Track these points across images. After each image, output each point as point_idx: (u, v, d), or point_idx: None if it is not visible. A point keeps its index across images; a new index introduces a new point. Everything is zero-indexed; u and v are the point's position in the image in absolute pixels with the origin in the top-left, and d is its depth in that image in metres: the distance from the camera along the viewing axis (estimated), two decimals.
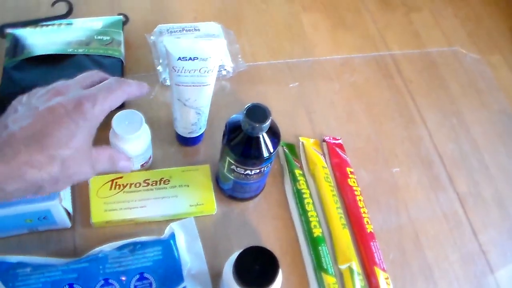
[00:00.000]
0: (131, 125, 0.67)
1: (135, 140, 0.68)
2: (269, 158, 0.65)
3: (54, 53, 0.82)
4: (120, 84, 0.58)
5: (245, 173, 0.66)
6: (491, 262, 0.76)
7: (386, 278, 0.70)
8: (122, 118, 0.68)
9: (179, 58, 0.64)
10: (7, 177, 0.50)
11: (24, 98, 0.56)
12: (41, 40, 0.84)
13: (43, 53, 0.82)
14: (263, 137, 0.63)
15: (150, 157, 0.76)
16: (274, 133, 0.64)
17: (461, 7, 1.10)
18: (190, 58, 0.64)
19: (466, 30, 1.06)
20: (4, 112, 0.56)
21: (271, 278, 0.56)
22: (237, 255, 0.57)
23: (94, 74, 0.61)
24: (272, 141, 0.64)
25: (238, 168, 0.66)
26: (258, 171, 0.66)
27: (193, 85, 0.67)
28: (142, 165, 0.74)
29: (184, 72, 0.66)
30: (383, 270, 0.70)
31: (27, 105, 0.54)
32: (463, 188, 0.82)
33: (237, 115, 0.65)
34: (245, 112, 0.61)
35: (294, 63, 0.93)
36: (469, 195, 0.82)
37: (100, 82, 0.59)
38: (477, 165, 0.86)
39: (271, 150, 0.64)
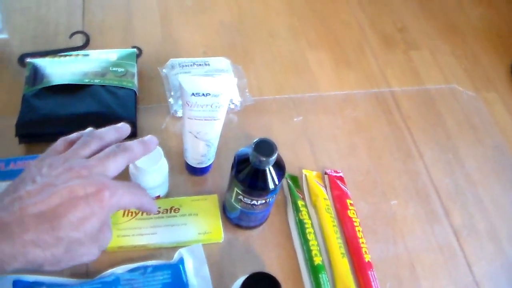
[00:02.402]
0: (151, 157, 0.69)
1: (154, 172, 0.71)
2: (274, 190, 0.68)
3: (72, 83, 0.85)
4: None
5: (251, 203, 0.69)
6: None
7: None
8: None
9: (193, 94, 0.67)
10: (10, 257, 0.49)
11: (44, 169, 0.54)
12: (59, 70, 0.88)
13: (62, 83, 0.85)
14: (269, 170, 0.66)
15: (166, 190, 0.79)
16: (279, 166, 0.68)
17: (458, 45, 1.14)
18: (203, 94, 0.67)
19: (463, 68, 1.09)
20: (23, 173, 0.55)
21: None
22: (242, 280, 0.59)
23: (111, 132, 0.61)
24: (277, 173, 0.67)
25: (245, 198, 0.69)
26: (264, 201, 0.70)
27: (204, 119, 0.71)
28: (157, 197, 0.77)
29: (197, 107, 0.69)
30: None
31: (46, 178, 0.53)
32: (458, 221, 0.85)
33: (245, 148, 0.69)
34: (253, 146, 0.64)
35: (299, 98, 0.97)
36: (464, 227, 0.84)
37: (116, 141, 0.60)
38: (472, 198, 0.88)
39: (277, 182, 0.67)
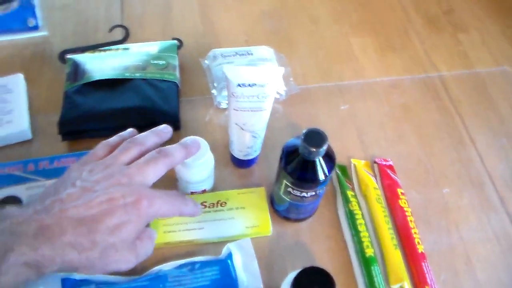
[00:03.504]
0: None
1: (200, 166, 0.70)
2: (324, 181, 0.66)
3: (113, 77, 0.85)
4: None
5: (301, 195, 0.68)
6: None
7: None
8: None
9: (238, 85, 0.66)
10: (49, 259, 0.51)
11: (85, 173, 0.57)
12: (100, 65, 0.87)
13: (103, 78, 0.84)
14: (319, 161, 0.64)
15: (212, 183, 0.78)
16: (330, 157, 0.66)
17: (509, 25, 1.10)
18: (249, 85, 0.66)
19: None
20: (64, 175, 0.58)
21: None
22: (294, 275, 0.57)
23: (152, 136, 0.63)
24: (327, 164, 0.65)
25: (294, 191, 0.67)
26: (313, 193, 0.68)
27: (251, 110, 0.69)
28: (203, 191, 0.76)
29: (243, 98, 0.68)
30: None
31: (87, 183, 0.55)
32: None
33: (293, 139, 0.67)
34: (303, 136, 0.62)
35: (345, 85, 0.95)
36: None
37: (157, 146, 0.62)
38: None
39: (327, 173, 0.65)
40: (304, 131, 0.63)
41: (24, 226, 0.51)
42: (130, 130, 0.66)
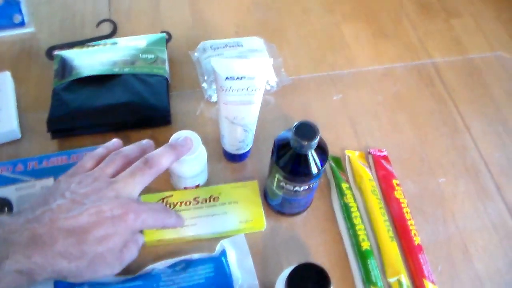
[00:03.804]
0: None
1: (192, 161, 0.69)
2: (318, 175, 0.65)
3: (102, 73, 0.84)
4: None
5: (294, 189, 0.67)
6: None
7: None
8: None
9: (227, 78, 0.65)
10: (41, 267, 0.53)
11: (73, 185, 0.59)
12: (88, 61, 0.86)
13: (91, 74, 0.83)
14: (311, 154, 0.63)
15: (206, 178, 0.77)
16: (322, 150, 0.65)
17: (504, 9, 1.08)
18: (238, 78, 0.65)
19: (509, 34, 1.04)
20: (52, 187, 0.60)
21: None
22: (288, 271, 0.57)
23: (135, 149, 0.66)
24: (320, 157, 0.64)
25: (287, 185, 0.66)
26: (307, 187, 0.67)
27: (240, 104, 0.68)
28: (196, 186, 0.75)
29: (232, 91, 0.66)
30: (432, 282, 0.69)
31: (76, 195, 0.57)
32: None
33: (285, 132, 0.66)
34: (293, 130, 0.61)
35: (337, 75, 0.93)
36: None
37: (143, 154, 0.64)
38: None
39: (320, 166, 0.64)
40: (295, 124, 0.62)
41: (17, 235, 0.53)
42: (114, 140, 0.69)
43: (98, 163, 0.64)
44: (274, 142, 0.66)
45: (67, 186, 0.59)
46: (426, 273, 0.70)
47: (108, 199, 0.58)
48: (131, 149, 0.66)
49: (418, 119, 0.89)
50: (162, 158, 0.64)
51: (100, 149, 0.66)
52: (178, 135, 0.69)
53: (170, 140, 0.68)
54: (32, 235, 0.53)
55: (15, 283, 0.53)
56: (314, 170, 0.64)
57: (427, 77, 0.95)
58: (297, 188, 0.66)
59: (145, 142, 0.68)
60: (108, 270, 0.59)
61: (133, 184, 0.60)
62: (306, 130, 0.61)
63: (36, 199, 0.58)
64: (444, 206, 0.79)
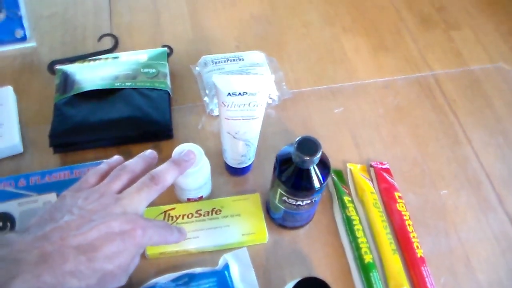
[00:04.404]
0: None
1: (195, 174, 0.70)
2: (320, 189, 0.65)
3: (103, 88, 0.84)
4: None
5: (296, 203, 0.67)
6: None
7: None
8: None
9: (229, 94, 0.65)
10: (51, 286, 0.52)
11: (80, 200, 0.59)
12: (89, 75, 0.87)
13: (93, 89, 0.84)
14: (314, 169, 0.63)
15: (210, 190, 0.77)
16: (324, 164, 0.65)
17: (503, 21, 1.09)
18: (240, 93, 0.65)
19: (509, 45, 1.04)
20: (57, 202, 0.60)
21: None
22: (292, 285, 0.57)
23: (139, 163, 0.66)
24: (322, 172, 0.64)
25: (289, 199, 0.66)
26: (309, 201, 0.67)
27: (242, 119, 0.68)
28: (200, 197, 0.76)
29: (234, 107, 0.67)
30: None
31: (83, 211, 0.57)
32: None
33: (286, 147, 0.66)
34: (295, 145, 0.61)
35: (338, 88, 0.94)
36: None
37: (146, 171, 0.64)
38: None
39: (322, 181, 0.64)
40: (297, 139, 0.62)
41: (25, 253, 0.52)
42: (116, 157, 0.68)
43: (102, 178, 0.63)
44: (276, 157, 0.67)
45: (74, 201, 0.59)
46: (429, 285, 0.70)
47: (116, 215, 0.58)
48: (135, 162, 0.65)
49: (419, 131, 0.89)
50: (167, 174, 0.64)
51: (103, 165, 0.66)
52: (181, 149, 0.69)
53: (173, 154, 0.68)
54: (41, 254, 0.52)
55: None
56: (317, 184, 0.64)
57: (428, 89, 0.95)
58: (299, 203, 0.67)
59: (148, 153, 0.67)
60: (116, 284, 0.58)
61: (139, 200, 0.60)
62: (308, 145, 0.61)
63: (42, 215, 0.57)
64: (446, 218, 0.79)
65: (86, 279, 0.54)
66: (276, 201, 0.69)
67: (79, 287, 0.54)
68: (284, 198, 0.67)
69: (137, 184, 0.62)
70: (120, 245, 0.56)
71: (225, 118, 0.69)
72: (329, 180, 0.80)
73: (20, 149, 0.81)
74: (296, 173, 0.64)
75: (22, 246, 0.53)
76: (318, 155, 0.61)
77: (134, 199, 0.60)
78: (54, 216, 0.57)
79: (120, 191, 0.61)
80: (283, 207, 0.69)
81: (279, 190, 0.66)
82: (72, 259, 0.53)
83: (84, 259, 0.54)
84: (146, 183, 0.62)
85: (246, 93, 0.65)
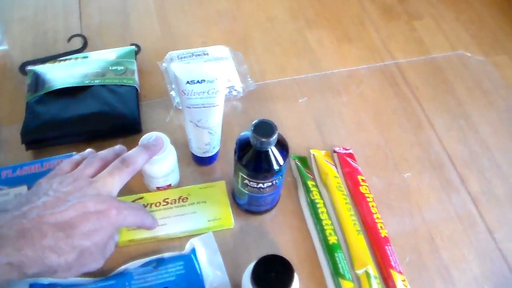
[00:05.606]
0: None
1: (162, 160, 0.71)
2: (279, 171, 0.67)
3: (73, 85, 0.86)
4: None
5: (258, 186, 0.69)
6: (509, 259, 0.75)
7: (403, 281, 0.70)
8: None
9: (188, 82, 0.67)
10: (31, 261, 0.54)
11: (55, 184, 0.61)
12: (60, 74, 0.88)
13: (63, 86, 0.85)
14: (272, 151, 0.65)
15: (178, 178, 0.79)
16: (282, 146, 0.67)
17: (463, 10, 1.12)
18: (198, 81, 0.67)
19: (469, 33, 1.07)
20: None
21: (287, 283, 0.57)
22: (253, 265, 0.59)
23: (110, 153, 0.68)
24: (281, 153, 0.66)
25: (251, 182, 0.68)
26: (270, 184, 0.69)
27: (203, 107, 0.70)
28: (168, 185, 0.77)
29: (194, 95, 0.68)
30: (400, 272, 0.71)
31: (59, 193, 0.59)
32: (476, 188, 0.83)
33: (246, 132, 0.68)
34: (252, 128, 0.63)
35: (302, 79, 0.96)
36: (482, 194, 0.82)
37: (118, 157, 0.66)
38: (488, 164, 0.86)
39: (281, 162, 0.66)
40: (254, 122, 0.64)
41: (5, 229, 0.54)
42: (88, 150, 0.70)
43: (75, 166, 0.65)
44: (236, 141, 0.68)
45: (49, 185, 0.61)
46: (393, 263, 0.72)
47: (91, 196, 0.60)
48: (107, 153, 0.68)
49: (383, 117, 0.91)
50: (138, 157, 0.66)
51: (76, 156, 0.68)
52: (149, 136, 0.71)
53: (141, 141, 0.71)
54: (21, 229, 0.54)
55: (5, 276, 0.53)
56: (276, 166, 0.66)
57: (391, 77, 0.98)
58: (260, 185, 0.68)
59: (118, 147, 0.70)
60: (94, 264, 0.61)
61: (112, 183, 0.63)
62: (264, 127, 0.63)
63: (19, 200, 0.59)
64: (410, 199, 0.81)
65: (65, 255, 0.56)
66: (239, 186, 0.71)
67: (58, 262, 0.56)
68: (246, 181, 0.68)
69: (109, 168, 0.64)
70: (96, 223, 0.58)
71: (187, 107, 0.71)
72: (293, 166, 0.82)
73: None
74: (255, 156, 0.65)
75: (1, 222, 0.55)
76: (275, 136, 0.63)
77: (107, 182, 0.62)
78: (30, 199, 0.58)
79: (93, 175, 0.63)
80: (246, 191, 0.71)
81: (241, 174, 0.68)
82: (50, 235, 0.55)
83: (62, 235, 0.56)
84: (117, 166, 0.64)
85: (204, 80, 0.67)
